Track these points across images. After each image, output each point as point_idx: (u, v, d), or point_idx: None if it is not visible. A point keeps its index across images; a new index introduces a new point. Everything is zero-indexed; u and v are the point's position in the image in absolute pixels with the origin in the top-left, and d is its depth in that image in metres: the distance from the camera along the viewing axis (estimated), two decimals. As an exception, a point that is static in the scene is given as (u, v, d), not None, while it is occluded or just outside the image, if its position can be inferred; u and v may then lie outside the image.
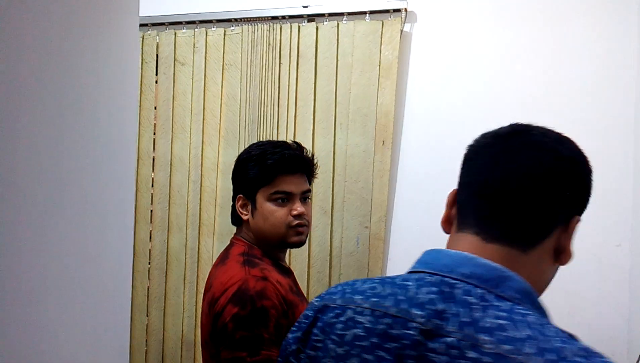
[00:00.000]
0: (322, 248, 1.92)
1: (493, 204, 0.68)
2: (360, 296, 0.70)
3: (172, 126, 2.15)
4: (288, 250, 1.59)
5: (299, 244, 1.37)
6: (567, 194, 0.68)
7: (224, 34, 2.09)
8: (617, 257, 1.75)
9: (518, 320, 0.59)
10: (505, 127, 0.73)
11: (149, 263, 2.19)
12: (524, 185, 0.66)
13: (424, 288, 0.66)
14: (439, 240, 2.05)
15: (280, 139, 1.98)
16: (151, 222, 2.19)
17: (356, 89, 1.90)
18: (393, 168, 1.90)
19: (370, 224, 1.87)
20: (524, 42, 1.83)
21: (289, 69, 1.98)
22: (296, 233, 1.34)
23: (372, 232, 1.87)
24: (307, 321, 0.75)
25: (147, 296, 2.18)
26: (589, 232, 1.78)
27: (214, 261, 2.05)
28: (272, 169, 1.33)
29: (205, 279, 2.05)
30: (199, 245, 2.10)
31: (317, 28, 1.96)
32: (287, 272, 1.39)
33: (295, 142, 1.42)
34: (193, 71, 2.12)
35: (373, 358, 0.64)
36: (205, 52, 2.10)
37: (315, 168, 1.43)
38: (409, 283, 0.68)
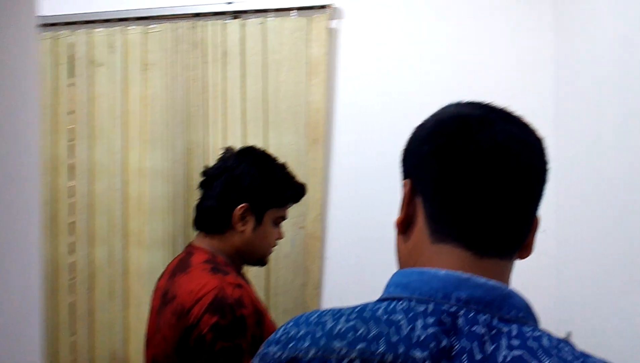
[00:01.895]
0: (257, 251, 1.87)
1: (484, 211, 0.58)
2: (341, 342, 0.56)
3: (91, 131, 2.02)
4: None
5: (266, 264, 1.43)
6: (543, 190, 0.63)
7: (144, 33, 1.98)
8: (544, 243, 1.81)
9: (533, 348, 0.52)
10: (467, 108, 0.64)
11: (73, 278, 2.05)
12: (516, 189, 0.58)
13: (419, 321, 0.54)
14: (377, 236, 2.05)
15: (210, 140, 1.91)
16: (72, 234, 2.05)
17: (285, 87, 1.86)
18: (326, 166, 1.89)
19: (306, 224, 1.84)
20: (449, 38, 1.86)
21: (215, 68, 1.92)
22: (270, 253, 1.41)
23: (308, 232, 1.84)
24: None
25: (73, 313, 2.04)
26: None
27: (143, 272, 1.96)
28: (293, 197, 1.40)
29: (137, 292, 1.97)
30: (126, 257, 1.99)
31: (242, 25, 1.91)
32: (247, 282, 1.35)
33: (285, 164, 1.46)
34: (111, 72, 2.00)
35: None
36: (124, 52, 1.99)
37: None
38: (398, 316, 0.56)
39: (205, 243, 1.31)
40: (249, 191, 1.30)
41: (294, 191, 1.39)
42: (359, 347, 0.55)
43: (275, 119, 1.88)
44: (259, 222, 1.31)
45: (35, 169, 1.08)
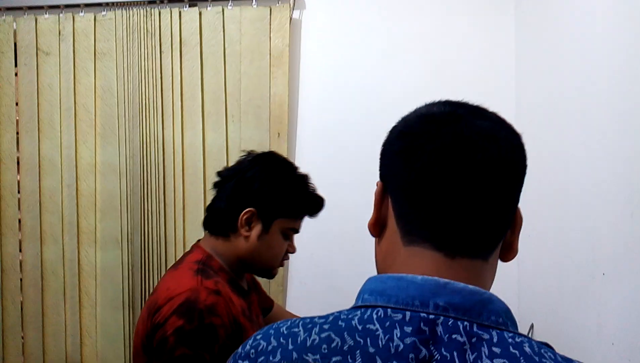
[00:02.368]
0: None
1: (452, 209, 0.55)
2: (314, 355, 0.54)
3: (39, 124, 1.91)
4: None
5: (274, 277, 1.33)
6: (519, 188, 0.59)
7: (94, 20, 1.88)
8: (505, 236, 1.84)
9: (516, 355, 0.50)
10: (440, 107, 0.61)
11: (21, 279, 1.94)
12: (485, 185, 0.55)
13: (396, 330, 0.52)
14: (341, 232, 2.02)
15: (166, 133, 1.83)
16: (20, 232, 1.94)
17: (247, 79, 1.80)
18: (290, 159, 1.84)
19: (269, 220, 1.80)
20: (412, 31, 1.85)
21: (172, 58, 1.83)
22: (280, 266, 1.30)
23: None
24: None
25: (21, 316, 1.94)
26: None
27: (97, 272, 1.87)
28: (306, 209, 1.28)
29: (91, 293, 1.88)
30: (78, 256, 1.89)
31: (200, 13, 1.83)
32: (245, 293, 1.26)
33: (307, 175, 1.33)
34: (60, 61, 1.89)
35: None
36: (73, 40, 1.88)
37: None
38: (374, 326, 0.53)
39: (207, 244, 1.25)
40: (257, 196, 1.22)
41: (308, 203, 1.28)
42: (333, 360, 0.53)
43: (235, 112, 1.82)
44: (265, 230, 1.23)
45: None
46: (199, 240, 1.29)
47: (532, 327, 1.70)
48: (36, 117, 1.90)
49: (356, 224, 1.83)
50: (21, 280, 1.94)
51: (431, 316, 0.52)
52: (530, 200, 1.75)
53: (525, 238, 1.78)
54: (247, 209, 1.21)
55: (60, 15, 1.88)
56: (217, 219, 1.25)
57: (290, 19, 1.81)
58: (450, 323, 0.51)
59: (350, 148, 1.83)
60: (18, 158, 1.93)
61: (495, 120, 0.60)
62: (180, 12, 1.83)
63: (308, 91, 1.87)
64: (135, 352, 1.18)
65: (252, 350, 0.58)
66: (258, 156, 1.29)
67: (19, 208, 1.93)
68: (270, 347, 0.57)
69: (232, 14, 1.81)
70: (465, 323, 0.52)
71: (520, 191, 0.59)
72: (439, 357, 0.50)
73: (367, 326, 0.53)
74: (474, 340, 0.51)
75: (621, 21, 1.18)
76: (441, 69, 1.84)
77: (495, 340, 0.51)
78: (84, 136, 1.89)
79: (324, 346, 0.54)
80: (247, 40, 1.80)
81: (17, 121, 1.93)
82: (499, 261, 0.61)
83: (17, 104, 1.93)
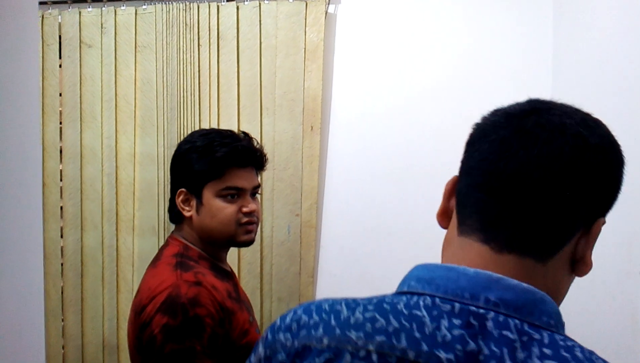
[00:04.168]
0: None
1: (502, 202, 0.54)
2: (358, 332, 0.54)
3: (81, 114, 1.97)
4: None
5: (248, 243, 1.28)
6: (593, 192, 0.55)
7: (135, 14, 1.93)
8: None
9: (568, 359, 0.49)
10: (521, 103, 0.59)
11: (62, 264, 2.02)
12: (540, 180, 0.53)
13: (444, 320, 0.51)
14: (372, 226, 2.03)
15: (202, 127, 1.87)
16: (62, 219, 2.01)
17: (281, 72, 1.83)
18: (322, 153, 1.86)
19: (301, 212, 1.82)
20: (446, 25, 1.84)
21: (209, 52, 1.87)
22: (246, 232, 1.25)
23: (304, 220, 1.83)
24: None
25: (62, 300, 2.01)
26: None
27: (134, 259, 1.93)
28: (222, 162, 1.20)
29: (128, 279, 1.94)
30: (117, 243, 1.96)
31: (237, 8, 1.86)
32: (227, 275, 1.27)
33: (243, 132, 1.31)
34: (102, 54, 1.95)
35: None
36: (115, 33, 1.93)
37: (266, 161, 1.32)
38: (420, 312, 0.53)
39: (179, 234, 1.27)
40: (180, 172, 1.25)
41: (224, 155, 1.20)
42: (378, 339, 0.52)
43: (270, 105, 1.84)
44: (199, 201, 1.22)
45: (38, 152, 1.04)
46: (172, 232, 1.30)
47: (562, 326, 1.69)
48: (78, 107, 1.97)
49: (387, 217, 1.84)
50: (62, 265, 2.01)
51: (481, 311, 0.51)
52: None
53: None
54: (179, 191, 1.24)
55: (103, 9, 1.94)
56: (170, 209, 1.29)
57: (326, 13, 1.83)
58: (501, 319, 0.51)
59: (382, 143, 1.83)
60: (61, 147, 2.00)
61: (577, 119, 0.56)
62: (218, 7, 1.87)
63: (341, 85, 1.88)
64: (130, 354, 1.20)
65: (294, 324, 0.58)
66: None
67: (61, 196, 2.00)
68: (312, 322, 0.57)
69: (269, 8, 1.84)
70: (517, 321, 0.51)
71: (599, 199, 0.56)
72: (488, 352, 0.49)
73: (414, 312, 0.53)
74: (525, 338, 0.50)
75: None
76: (476, 63, 1.82)
77: (546, 341, 0.50)
78: (123, 127, 1.94)
79: (368, 325, 0.54)
80: (283, 35, 1.83)
81: (60, 111, 2.00)
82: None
83: (60, 95, 2.00)
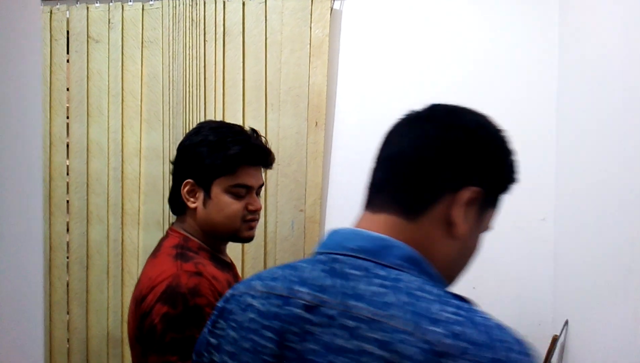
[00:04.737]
0: (256, 233, 1.86)
1: (381, 177, 0.70)
2: (259, 282, 0.70)
3: (88, 109, 1.99)
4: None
5: (250, 239, 1.30)
6: (452, 163, 0.67)
7: (142, 9, 1.94)
8: (542, 231, 1.82)
9: (397, 287, 0.60)
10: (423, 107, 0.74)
11: (68, 257, 2.04)
12: (408, 155, 0.68)
13: (316, 266, 0.66)
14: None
15: (208, 120, 1.88)
16: (68, 213, 2.03)
17: (287, 68, 1.84)
18: (327, 149, 1.87)
19: (305, 207, 1.83)
20: (453, 24, 1.84)
21: (215, 47, 1.88)
22: (249, 228, 1.28)
23: (307, 215, 1.83)
24: (215, 312, 0.75)
25: (67, 293, 2.03)
26: (515, 206, 1.84)
27: (139, 252, 1.95)
28: (235, 159, 1.22)
29: (133, 272, 1.96)
30: (122, 236, 1.97)
31: (243, 4, 1.87)
32: (227, 266, 1.29)
33: (252, 128, 1.31)
34: (109, 49, 1.97)
35: (259, 338, 0.65)
36: (122, 28, 1.95)
37: (273, 160, 1.33)
38: (304, 264, 0.69)
39: (179, 226, 1.27)
40: (189, 164, 1.24)
41: (238, 153, 1.22)
42: (268, 283, 0.70)
43: (275, 100, 1.85)
44: (207, 195, 1.23)
45: (39, 145, 1.06)
46: (172, 224, 1.31)
47: (566, 323, 1.68)
48: (85, 102, 1.98)
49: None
50: (68, 258, 2.03)
51: (341, 257, 0.65)
52: (570, 194, 1.73)
53: (563, 234, 1.76)
54: (185, 182, 1.23)
55: (110, 4, 1.96)
56: (172, 200, 1.28)
57: (331, 9, 1.83)
58: (355, 261, 0.64)
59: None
60: (68, 142, 2.02)
61: (449, 109, 0.73)
62: (224, 3, 1.88)
63: (347, 82, 1.88)
64: (130, 344, 1.21)
65: (235, 285, 0.77)
66: (196, 126, 1.31)
67: (68, 190, 2.02)
68: (242, 281, 0.76)
69: (274, 4, 1.85)
70: (368, 262, 0.64)
71: (461, 170, 0.68)
72: (333, 283, 0.63)
73: (301, 264, 0.69)
74: (368, 274, 0.63)
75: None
76: (483, 63, 1.82)
77: (387, 276, 0.62)
78: (130, 122, 1.96)
79: (268, 277, 0.71)
80: (288, 31, 1.83)
81: (68, 106, 2.02)
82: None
83: (67, 89, 2.02)
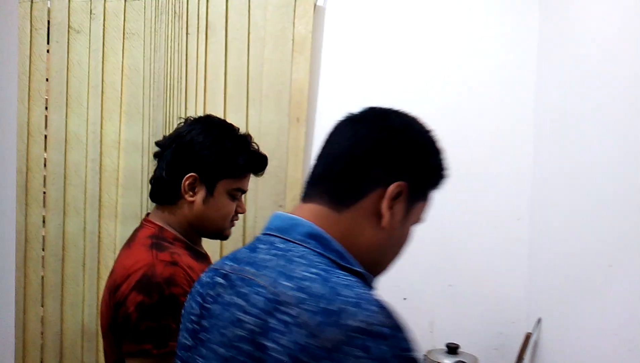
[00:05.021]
0: (235, 228, 1.84)
1: (318, 171, 0.78)
2: (216, 263, 0.81)
3: (67, 100, 1.97)
4: None
5: (227, 237, 1.36)
6: (383, 160, 0.74)
7: (125, 1, 1.93)
8: (518, 230, 1.85)
9: (283, 255, 0.69)
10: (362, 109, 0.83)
11: (43, 250, 2.01)
12: (341, 154, 0.76)
13: (247, 245, 0.78)
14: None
15: (189, 114, 1.87)
16: (44, 205, 2.00)
17: (269, 64, 1.84)
18: (308, 145, 1.87)
19: (285, 203, 1.83)
20: (434, 23, 1.86)
21: (197, 41, 1.88)
22: (231, 227, 1.34)
23: (287, 211, 1.83)
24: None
25: (42, 286, 2.01)
26: (491, 206, 1.88)
27: (116, 245, 1.93)
28: (246, 167, 1.29)
29: (109, 265, 1.94)
30: (99, 229, 1.95)
31: (226, -2, 1.87)
32: (203, 257, 1.29)
33: (249, 135, 1.34)
34: (90, 40, 1.95)
35: (194, 302, 0.76)
36: (104, 19, 1.94)
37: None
38: (245, 246, 0.79)
39: (157, 216, 1.27)
40: (197, 160, 1.23)
41: (248, 160, 1.28)
42: (217, 261, 0.81)
43: (257, 96, 1.85)
44: (210, 193, 1.24)
45: (13, 135, 1.04)
46: (147, 214, 1.31)
47: (539, 321, 1.71)
48: (65, 93, 1.96)
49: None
50: (43, 250, 2.01)
51: (261, 235, 0.76)
52: (545, 195, 1.76)
53: (538, 234, 1.79)
54: (189, 175, 1.22)
55: (92, -5, 1.94)
56: (162, 188, 1.26)
57: (315, 6, 1.84)
58: (266, 237, 0.75)
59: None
60: (45, 134, 1.99)
61: (380, 111, 0.81)
62: (207, -4, 1.88)
63: (329, 79, 1.89)
64: (103, 333, 1.21)
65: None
66: (195, 120, 1.30)
67: (45, 182, 2.00)
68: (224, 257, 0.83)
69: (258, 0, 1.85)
70: (275, 237, 0.73)
71: (390, 167, 0.75)
72: (245, 257, 0.73)
73: (247, 245, 0.79)
74: (269, 247, 0.72)
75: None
76: (463, 64, 1.85)
77: (282, 247, 0.71)
78: (109, 114, 1.94)
79: (230, 256, 0.79)
80: (271, 26, 1.84)
81: (47, 97, 1.99)
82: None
83: (47, 80, 1.99)
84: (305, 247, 0.70)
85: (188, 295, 0.81)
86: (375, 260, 0.77)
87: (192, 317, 0.75)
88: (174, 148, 1.26)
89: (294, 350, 0.58)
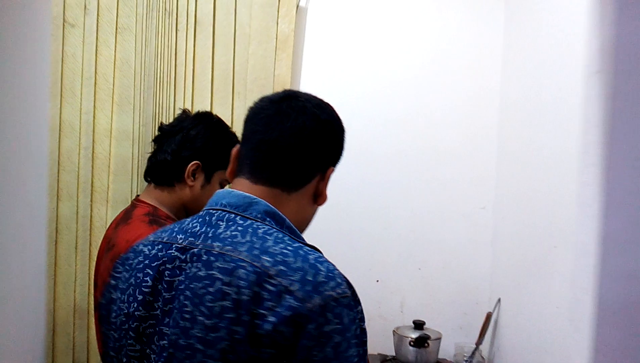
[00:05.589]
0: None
1: (265, 156, 0.85)
2: (152, 235, 0.89)
3: (61, 90, 2.07)
4: None
5: None
6: (325, 150, 0.88)
7: (118, -3, 2.03)
8: (483, 218, 1.99)
9: (247, 232, 0.78)
10: (279, 93, 0.91)
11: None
12: (290, 143, 0.84)
13: (195, 219, 0.84)
14: (336, 208, 2.18)
15: (178, 106, 1.99)
16: (38, 190, 2.10)
17: (253, 59, 1.96)
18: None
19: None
20: (411, 23, 1.99)
21: (186, 37, 1.99)
22: None
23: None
24: (118, 261, 0.92)
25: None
26: (458, 196, 2.02)
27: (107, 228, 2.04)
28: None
29: (99, 247, 2.05)
30: (91, 213, 2.06)
31: (214, -3, 1.98)
32: None
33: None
34: (84, 34, 2.05)
35: (142, 275, 0.82)
36: (97, 14, 2.04)
37: None
38: (188, 219, 0.86)
39: (150, 196, 1.41)
40: (202, 151, 1.40)
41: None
42: (159, 235, 0.86)
43: (242, 89, 1.97)
44: (207, 180, 1.41)
45: (45, 131, 1.13)
46: (138, 195, 1.44)
47: (499, 301, 1.86)
48: (59, 84, 2.06)
49: (347, 197, 1.98)
50: (37, 233, 2.11)
51: (213, 211, 0.82)
52: (508, 185, 1.90)
53: (501, 221, 1.93)
54: (194, 162, 1.38)
55: (87, -9, 2.04)
56: (163, 170, 1.41)
57: (297, 7, 1.96)
58: (221, 213, 0.81)
59: (348, 130, 1.98)
60: (40, 121, 2.09)
61: (314, 103, 0.89)
62: (196, -5, 1.99)
63: (310, 75, 2.02)
64: (96, 305, 1.32)
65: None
66: (197, 116, 1.47)
67: (39, 167, 2.09)
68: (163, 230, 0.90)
69: (244, -1, 1.97)
70: (232, 214, 0.80)
71: (328, 154, 0.89)
72: (203, 230, 0.80)
73: (188, 219, 0.86)
74: (230, 223, 0.79)
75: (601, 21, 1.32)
76: (436, 60, 1.99)
77: (244, 224, 0.79)
78: (102, 104, 2.05)
79: (166, 231, 0.86)
80: (256, 24, 1.96)
81: (42, 86, 2.09)
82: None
83: (42, 71, 2.09)
84: (266, 225, 0.79)
85: (120, 267, 0.88)
86: (303, 230, 0.91)
87: (144, 289, 0.80)
88: (180, 138, 1.41)
89: (288, 314, 0.70)
